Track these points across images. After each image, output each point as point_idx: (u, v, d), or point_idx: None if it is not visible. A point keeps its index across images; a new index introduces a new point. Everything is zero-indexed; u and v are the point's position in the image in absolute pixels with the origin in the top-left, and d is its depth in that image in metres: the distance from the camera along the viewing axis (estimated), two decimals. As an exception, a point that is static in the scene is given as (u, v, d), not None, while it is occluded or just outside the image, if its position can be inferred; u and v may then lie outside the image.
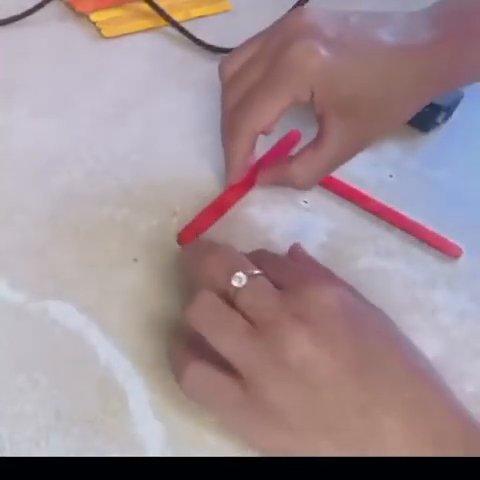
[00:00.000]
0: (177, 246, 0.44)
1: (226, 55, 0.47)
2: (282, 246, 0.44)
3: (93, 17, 0.62)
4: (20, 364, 0.37)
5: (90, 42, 0.60)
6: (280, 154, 0.51)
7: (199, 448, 0.35)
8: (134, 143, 0.51)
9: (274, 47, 0.44)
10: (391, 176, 0.51)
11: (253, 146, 0.46)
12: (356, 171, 0.50)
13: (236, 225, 0.46)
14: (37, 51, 0.58)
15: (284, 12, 0.57)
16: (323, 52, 0.42)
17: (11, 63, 0.57)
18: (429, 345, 0.41)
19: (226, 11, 0.65)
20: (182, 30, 0.61)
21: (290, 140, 0.52)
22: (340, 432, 0.32)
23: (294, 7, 0.56)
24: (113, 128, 0.52)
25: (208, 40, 0.60)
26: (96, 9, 0.62)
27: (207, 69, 0.59)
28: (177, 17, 0.62)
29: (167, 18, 0.62)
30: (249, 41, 0.46)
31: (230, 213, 0.47)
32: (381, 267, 0.45)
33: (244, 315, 0.34)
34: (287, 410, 0.32)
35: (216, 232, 0.45)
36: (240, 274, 0.35)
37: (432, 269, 0.45)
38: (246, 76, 0.45)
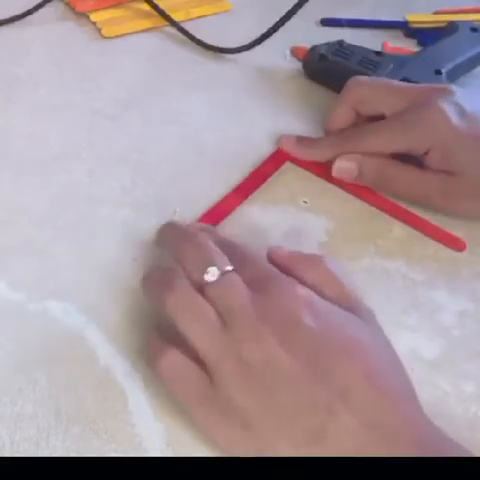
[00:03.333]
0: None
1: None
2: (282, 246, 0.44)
3: (93, 17, 0.62)
4: (20, 364, 0.37)
5: (90, 42, 0.60)
6: (276, 163, 0.50)
7: (199, 448, 0.35)
8: (134, 143, 0.51)
9: (414, 91, 0.49)
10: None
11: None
12: (356, 171, 0.50)
13: (236, 225, 0.46)
14: (37, 51, 0.58)
15: (283, 12, 0.57)
16: (455, 120, 0.46)
17: (11, 63, 0.57)
18: (429, 345, 0.41)
19: (226, 11, 0.65)
20: (182, 30, 0.61)
21: (277, 158, 0.51)
22: (296, 432, 0.33)
23: (294, 7, 0.56)
24: (113, 128, 0.52)
25: (208, 40, 0.60)
26: (96, 9, 0.62)
27: (207, 69, 0.59)
28: (177, 17, 0.62)
29: (167, 18, 0.62)
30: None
31: (230, 213, 0.47)
32: (381, 267, 0.45)
33: (214, 308, 0.35)
34: (246, 408, 0.33)
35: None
36: (214, 269, 0.36)
37: (432, 269, 0.45)
38: (378, 99, 0.49)
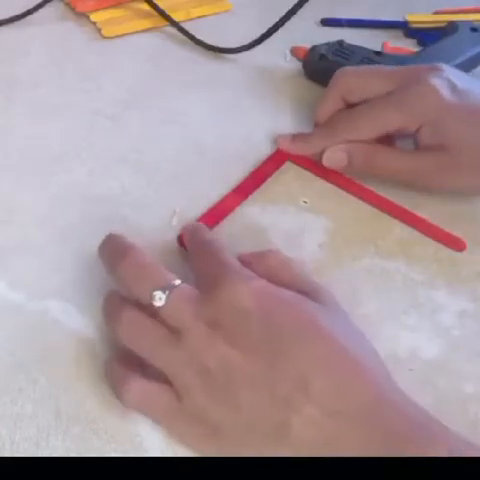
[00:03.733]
0: (177, 246, 0.44)
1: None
2: (282, 246, 0.43)
3: (93, 17, 0.62)
4: (20, 364, 0.37)
5: (90, 42, 0.60)
6: (276, 163, 0.50)
7: (199, 448, 0.35)
8: (134, 143, 0.51)
9: (402, 72, 0.49)
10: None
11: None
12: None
13: (236, 225, 0.46)
14: (37, 51, 0.58)
15: (283, 12, 0.57)
16: (446, 94, 0.46)
17: (11, 63, 0.57)
18: (429, 345, 0.41)
19: (226, 11, 0.65)
20: (182, 30, 0.61)
21: (277, 158, 0.51)
22: (263, 429, 0.33)
23: (294, 7, 0.56)
24: (113, 128, 0.52)
25: (208, 40, 0.60)
26: (96, 9, 0.63)
27: (207, 69, 0.59)
28: (177, 17, 0.62)
29: (167, 18, 0.62)
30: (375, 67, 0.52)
31: (230, 213, 0.47)
32: (381, 267, 0.45)
33: (166, 325, 0.35)
34: (213, 414, 0.34)
35: (216, 232, 0.45)
36: (159, 293, 0.35)
37: (432, 269, 0.45)
38: (367, 85, 0.49)
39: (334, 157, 0.49)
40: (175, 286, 0.35)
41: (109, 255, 0.38)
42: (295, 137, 0.51)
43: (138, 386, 0.34)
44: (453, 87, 0.47)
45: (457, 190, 0.48)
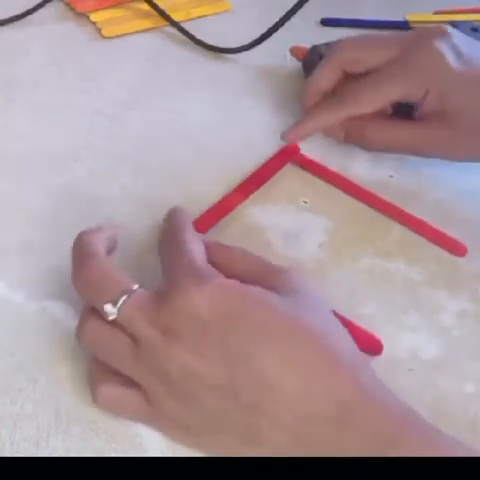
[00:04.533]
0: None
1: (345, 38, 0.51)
2: (282, 246, 0.44)
3: (93, 17, 0.62)
4: (20, 364, 0.37)
5: (90, 42, 0.60)
6: (278, 164, 0.50)
7: (199, 448, 0.35)
8: (134, 143, 0.51)
9: (405, 37, 0.48)
10: (391, 176, 0.51)
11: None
12: (356, 171, 0.50)
13: (236, 225, 0.46)
14: (37, 51, 0.58)
15: (283, 12, 0.57)
16: (452, 61, 0.46)
17: (11, 63, 0.57)
18: (429, 345, 0.41)
19: (226, 11, 0.65)
20: (182, 30, 0.61)
21: (288, 151, 0.51)
22: (234, 432, 0.33)
23: (294, 7, 0.56)
24: (113, 128, 0.52)
25: (208, 40, 0.60)
26: (96, 9, 0.63)
27: (207, 69, 0.59)
28: (177, 17, 0.62)
29: (167, 18, 0.62)
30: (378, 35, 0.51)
31: (230, 213, 0.47)
32: (381, 267, 0.45)
33: (126, 332, 0.34)
34: (181, 416, 0.33)
35: (216, 232, 0.45)
36: (109, 307, 0.34)
37: (432, 269, 0.45)
38: (369, 56, 0.48)
39: (332, 132, 0.50)
40: (132, 291, 0.34)
41: (72, 264, 0.37)
42: (298, 122, 0.50)
43: (107, 391, 0.34)
44: (459, 54, 0.46)
45: (455, 157, 0.48)
